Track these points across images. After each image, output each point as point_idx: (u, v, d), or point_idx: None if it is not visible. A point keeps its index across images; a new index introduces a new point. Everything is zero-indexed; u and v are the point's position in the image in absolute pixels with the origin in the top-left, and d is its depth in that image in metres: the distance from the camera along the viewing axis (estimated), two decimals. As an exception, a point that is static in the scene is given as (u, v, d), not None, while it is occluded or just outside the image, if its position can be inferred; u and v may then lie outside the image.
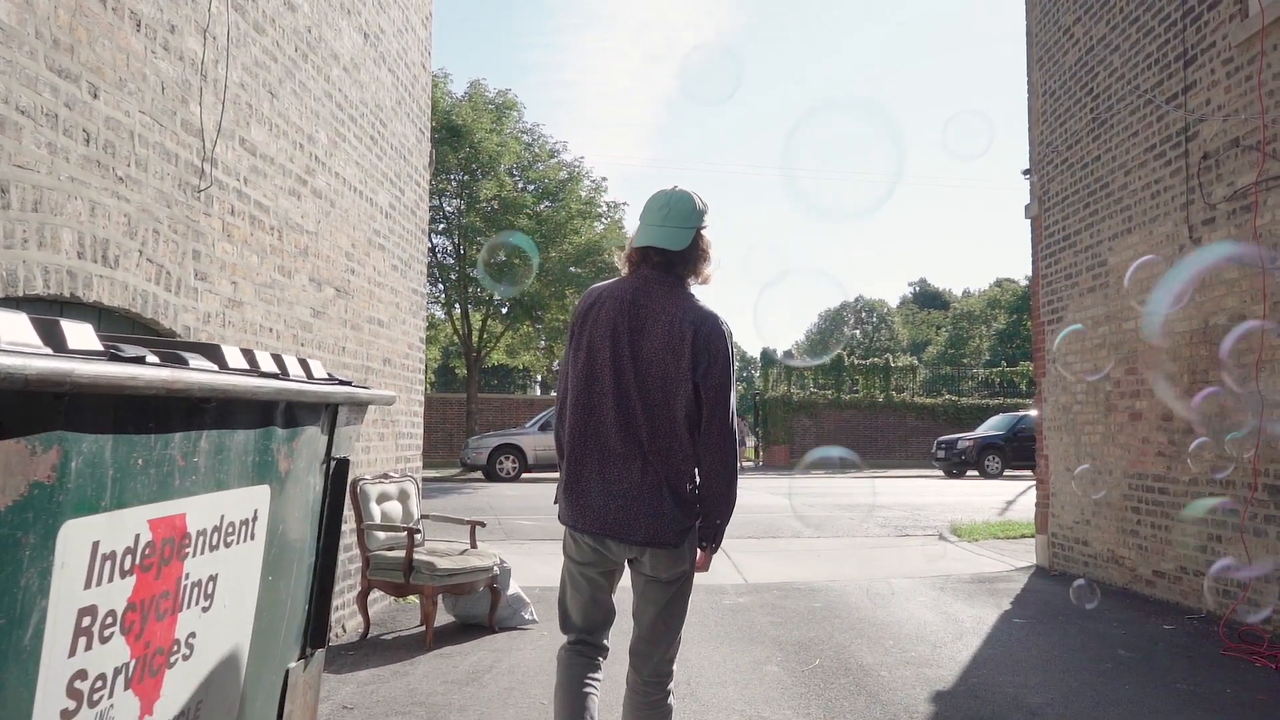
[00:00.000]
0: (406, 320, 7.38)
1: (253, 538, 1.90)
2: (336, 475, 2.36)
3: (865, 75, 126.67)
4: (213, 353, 1.81)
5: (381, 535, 6.08)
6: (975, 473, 25.20)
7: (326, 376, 2.30)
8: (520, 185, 26.27)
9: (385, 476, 6.40)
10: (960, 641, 5.92)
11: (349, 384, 2.32)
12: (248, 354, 1.93)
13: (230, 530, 1.80)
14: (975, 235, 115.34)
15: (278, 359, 2.06)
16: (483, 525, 6.50)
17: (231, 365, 1.82)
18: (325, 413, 2.24)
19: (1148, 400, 7.32)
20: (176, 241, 3.99)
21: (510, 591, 6.37)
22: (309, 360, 2.25)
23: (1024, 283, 62.66)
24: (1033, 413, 27.50)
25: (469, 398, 26.69)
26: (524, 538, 11.33)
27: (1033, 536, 11.43)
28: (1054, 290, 9.03)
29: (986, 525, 12.82)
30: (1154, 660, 5.41)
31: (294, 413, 2.04)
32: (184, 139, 4.03)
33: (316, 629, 2.33)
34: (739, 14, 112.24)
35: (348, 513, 6.04)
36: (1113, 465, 7.87)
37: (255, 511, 1.90)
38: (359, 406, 2.43)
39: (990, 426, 26.55)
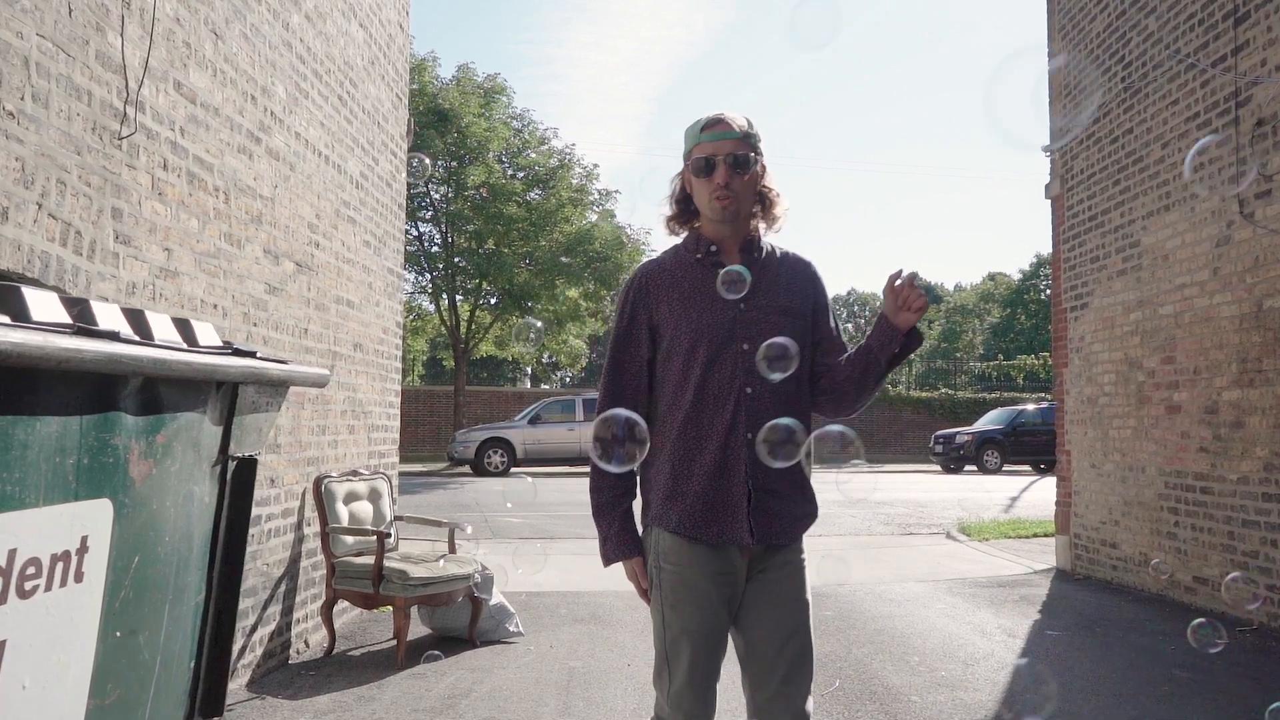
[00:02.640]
0: (381, 302, 6.74)
1: (78, 579, 1.27)
2: (238, 480, 1.73)
3: (863, 64, 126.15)
4: (7, 299, 1.18)
5: (349, 539, 5.45)
6: (973, 468, 24.66)
7: (221, 345, 1.67)
8: (509, 172, 25.55)
9: (354, 474, 5.77)
10: (993, 659, 5.32)
11: (253, 354, 1.69)
12: (75, 305, 1.30)
13: (30, 572, 1.17)
14: (967, 228, 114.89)
15: (134, 315, 1.43)
16: (462, 529, 5.88)
17: (38, 319, 1.20)
18: (216, 394, 1.61)
19: (1188, 391, 6.73)
20: (90, 196, 3.35)
21: (493, 601, 5.75)
22: (193, 321, 1.63)
23: (1018, 276, 62.26)
24: (1031, 407, 27.03)
25: (457, 390, 26.00)
26: (513, 536, 10.71)
27: (1047, 536, 10.87)
28: (1078, 274, 8.43)
29: (995, 524, 12.25)
30: (1216, 682, 4.82)
31: (158, 392, 1.42)
32: (100, 74, 3.39)
33: (209, 693, 1.70)
34: (730, 8, 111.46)
35: (310, 513, 5.41)
36: (1146, 462, 7.27)
37: (83, 539, 1.28)
38: (272, 387, 1.80)
39: (989, 421, 25.98)
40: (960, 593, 7.43)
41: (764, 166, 2.44)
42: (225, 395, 1.65)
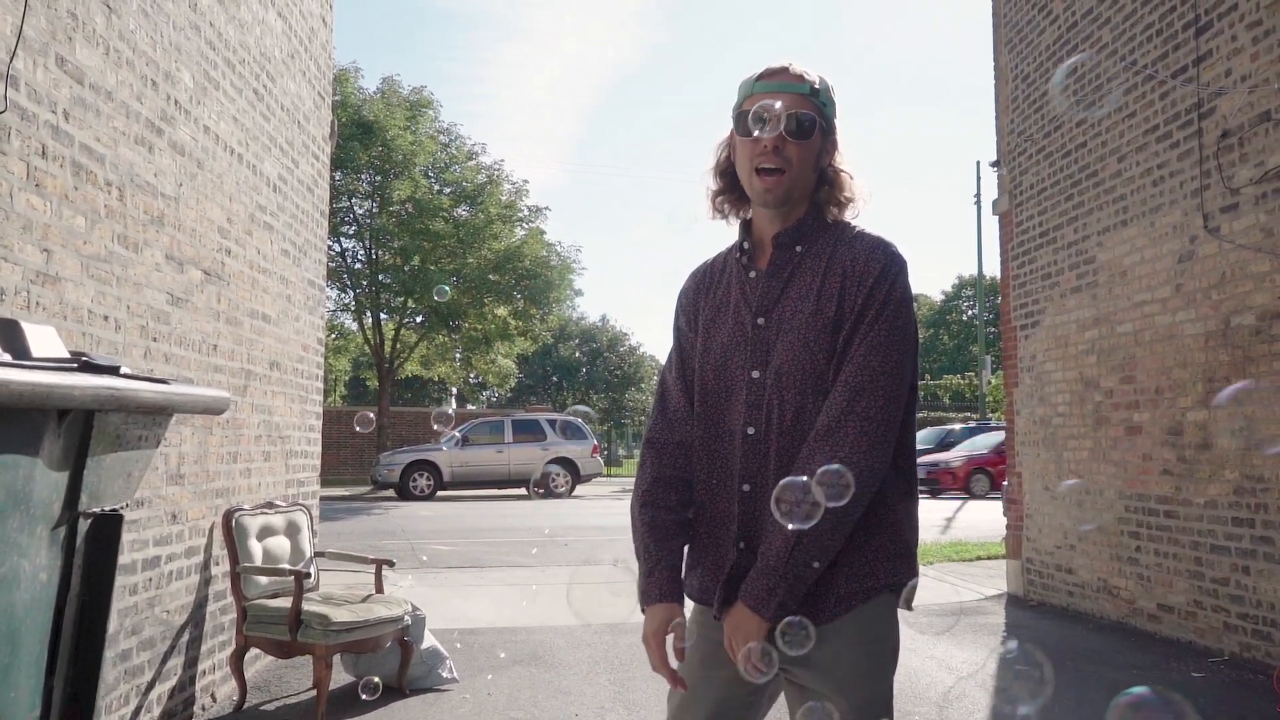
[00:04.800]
0: (301, 317, 6.18)
1: None
2: (94, 544, 1.24)
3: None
4: None
5: (263, 580, 4.88)
6: (905, 487, 24.62)
7: (66, 356, 1.19)
8: (436, 187, 24.90)
9: (270, 506, 5.20)
10: (967, 699, 4.98)
11: (115, 370, 1.21)
12: None
13: None
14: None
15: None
16: (390, 565, 5.35)
17: None
18: (58, 426, 1.12)
19: (1150, 412, 6.52)
20: (-54, 183, 2.80)
21: (425, 645, 5.23)
22: (25, 324, 1.14)
23: (939, 298, 63.32)
24: (958, 426, 27.15)
25: (380, 411, 25.13)
26: (441, 565, 10.12)
27: (991, 559, 10.72)
28: (1028, 292, 8.24)
29: (937, 546, 12.10)
30: (1205, 722, 4.54)
31: (-48, 427, 0.93)
32: (-40, 40, 2.85)
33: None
34: (657, 30, 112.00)
35: (219, 551, 4.82)
36: (1104, 485, 7.06)
37: None
38: (147, 415, 1.31)
39: (917, 441, 26.06)
40: (915, 622, 7.09)
41: (835, 141, 1.86)
42: (74, 427, 1.17)
